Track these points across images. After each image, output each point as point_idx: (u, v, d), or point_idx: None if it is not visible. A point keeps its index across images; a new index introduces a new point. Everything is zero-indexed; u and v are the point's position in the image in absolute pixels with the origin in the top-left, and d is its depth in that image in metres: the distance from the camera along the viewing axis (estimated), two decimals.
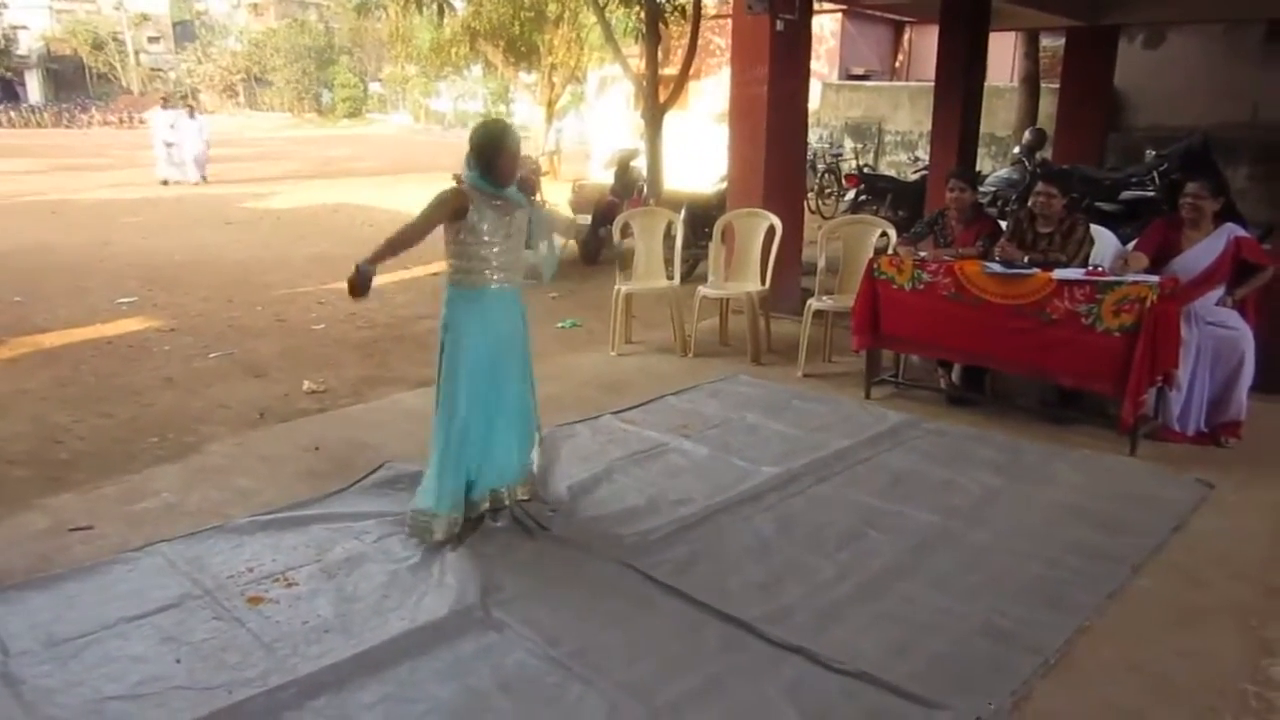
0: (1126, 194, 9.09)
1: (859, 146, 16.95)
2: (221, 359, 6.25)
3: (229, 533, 3.57)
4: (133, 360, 6.21)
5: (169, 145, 17.55)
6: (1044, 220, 5.14)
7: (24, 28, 46.58)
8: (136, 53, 51.46)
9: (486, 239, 3.48)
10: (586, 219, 9.80)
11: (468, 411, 3.52)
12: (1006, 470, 4.29)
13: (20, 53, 46.33)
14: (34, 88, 48.03)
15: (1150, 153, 10.17)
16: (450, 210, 3.43)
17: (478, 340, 3.52)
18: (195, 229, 12.36)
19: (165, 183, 17.36)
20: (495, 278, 3.54)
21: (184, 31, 54.49)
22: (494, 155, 3.45)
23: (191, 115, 18.10)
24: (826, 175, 15.04)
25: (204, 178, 17.80)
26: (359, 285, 3.34)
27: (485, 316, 3.54)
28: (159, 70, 51.57)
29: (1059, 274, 4.66)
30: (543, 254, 3.83)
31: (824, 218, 13.48)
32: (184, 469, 4.31)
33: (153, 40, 53.43)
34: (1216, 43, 12.48)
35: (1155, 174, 9.36)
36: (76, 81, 49.53)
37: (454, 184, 3.52)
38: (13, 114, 41.60)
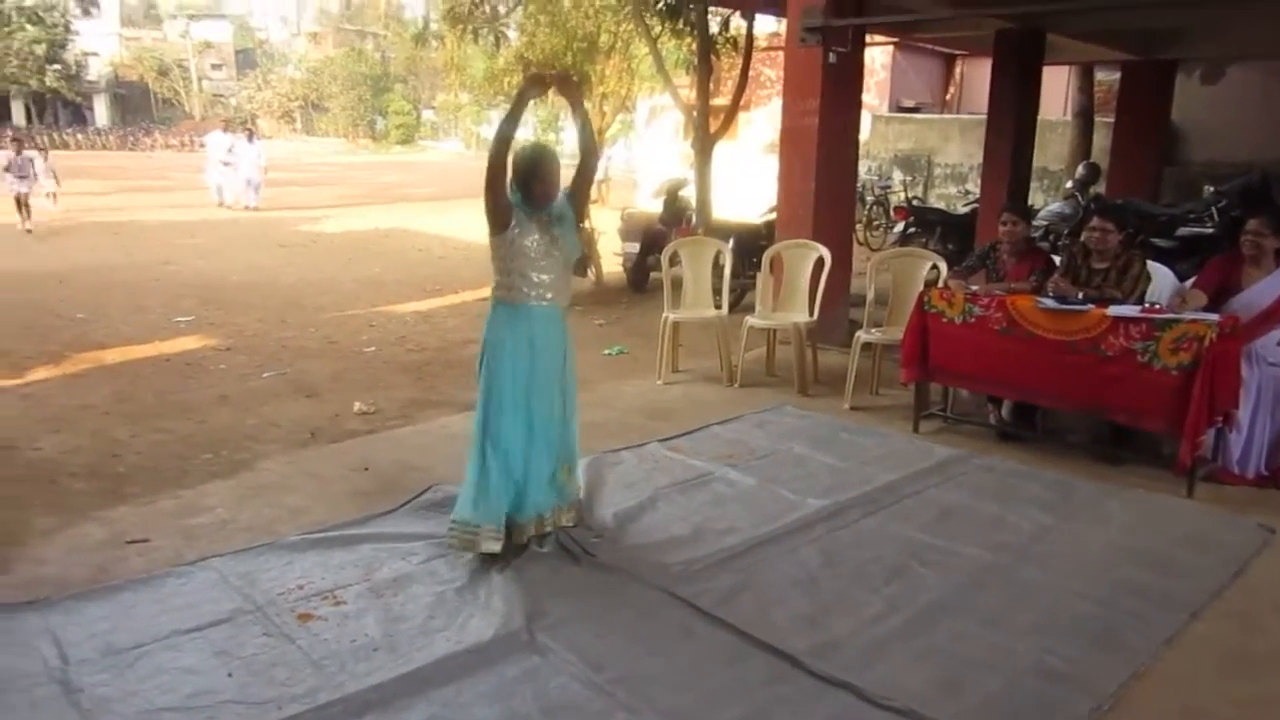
0: (1183, 230, 8.94)
1: (908, 179, 16.88)
2: (274, 378, 6.38)
3: (280, 550, 3.63)
4: (189, 377, 6.36)
5: (225, 165, 17.78)
6: (1099, 256, 5.08)
7: (94, 54, 48.20)
8: (200, 79, 53.00)
9: (530, 255, 3.52)
10: (635, 247, 9.87)
11: (508, 427, 3.55)
12: (1057, 508, 4.22)
13: (89, 78, 47.90)
14: (101, 112, 49.65)
15: (1208, 189, 10.01)
16: (497, 208, 3.49)
17: (517, 356, 3.55)
18: (250, 251, 12.65)
19: (220, 204, 17.66)
20: (535, 294, 3.57)
21: (245, 59, 56.04)
22: (529, 178, 3.52)
23: (250, 139, 18.34)
24: (875, 207, 14.99)
25: (256, 206, 17.80)
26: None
27: (525, 333, 3.57)
28: (220, 96, 53.02)
29: (1114, 310, 4.59)
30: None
31: (871, 249, 13.43)
32: (237, 485, 4.39)
33: (215, 67, 54.97)
34: (1275, 78, 12.28)
35: (1213, 210, 9.20)
36: (142, 106, 51.11)
37: None
38: (80, 136, 43.00)
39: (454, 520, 3.60)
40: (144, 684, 2.74)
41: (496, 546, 3.52)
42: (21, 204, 13.65)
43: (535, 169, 3.52)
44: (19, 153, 13.75)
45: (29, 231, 13.51)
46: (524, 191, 3.54)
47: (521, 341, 3.56)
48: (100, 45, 48.75)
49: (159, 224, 15.43)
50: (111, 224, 15.18)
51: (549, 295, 3.61)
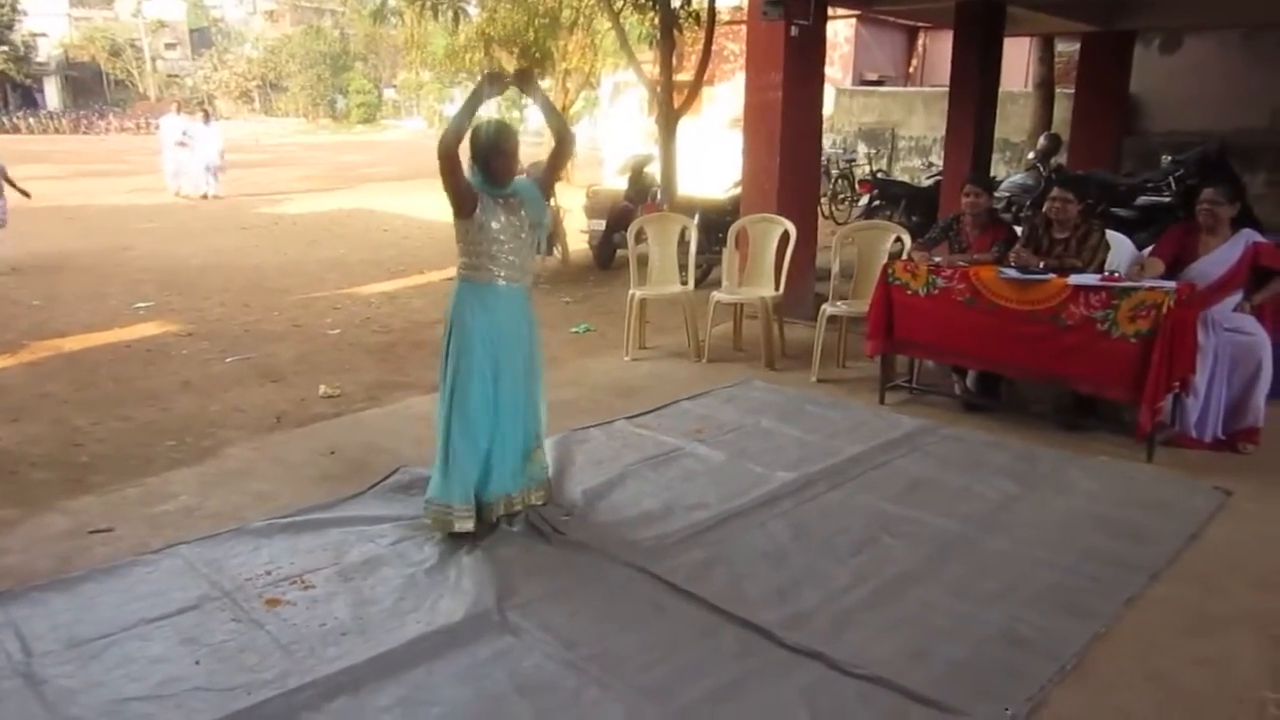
0: (1142, 200, 9.05)
1: (873, 152, 16.92)
2: (238, 363, 6.30)
3: (247, 535, 3.60)
4: (151, 364, 6.26)
5: (181, 145, 16.44)
6: (1059, 226, 5.13)
7: (43, 35, 47.00)
8: (153, 59, 51.89)
9: (499, 238, 3.51)
10: (601, 224, 9.83)
11: (475, 406, 3.55)
12: (1022, 477, 4.28)
13: (39, 60, 46.74)
14: (52, 94, 48.47)
15: (1166, 158, 10.13)
16: (460, 195, 3.45)
17: (482, 335, 3.55)
18: (211, 235, 12.45)
19: (178, 193, 16.51)
20: (502, 274, 3.57)
21: (201, 38, 54.93)
22: (490, 154, 3.52)
23: (207, 122, 17.08)
24: (840, 181, 15.02)
25: (216, 194, 16.48)
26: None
27: (491, 312, 3.56)
28: (176, 77, 51.95)
29: (1074, 280, 4.64)
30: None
31: (837, 223, 13.48)
32: (202, 472, 4.34)
33: (170, 47, 53.85)
34: (1234, 48, 12.42)
35: (1171, 180, 9.32)
36: (94, 88, 49.96)
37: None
38: (31, 120, 41.97)
39: (427, 499, 3.61)
40: (110, 674, 2.72)
41: (470, 525, 3.54)
42: None
43: (495, 145, 3.52)
44: None
45: None
46: (484, 170, 3.53)
47: (488, 321, 3.56)
48: (49, 25, 47.52)
49: (116, 208, 15.12)
50: (67, 209, 14.86)
51: (516, 276, 3.60)
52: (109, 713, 2.55)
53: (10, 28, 43.35)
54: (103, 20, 52.00)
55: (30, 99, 46.69)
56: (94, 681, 2.68)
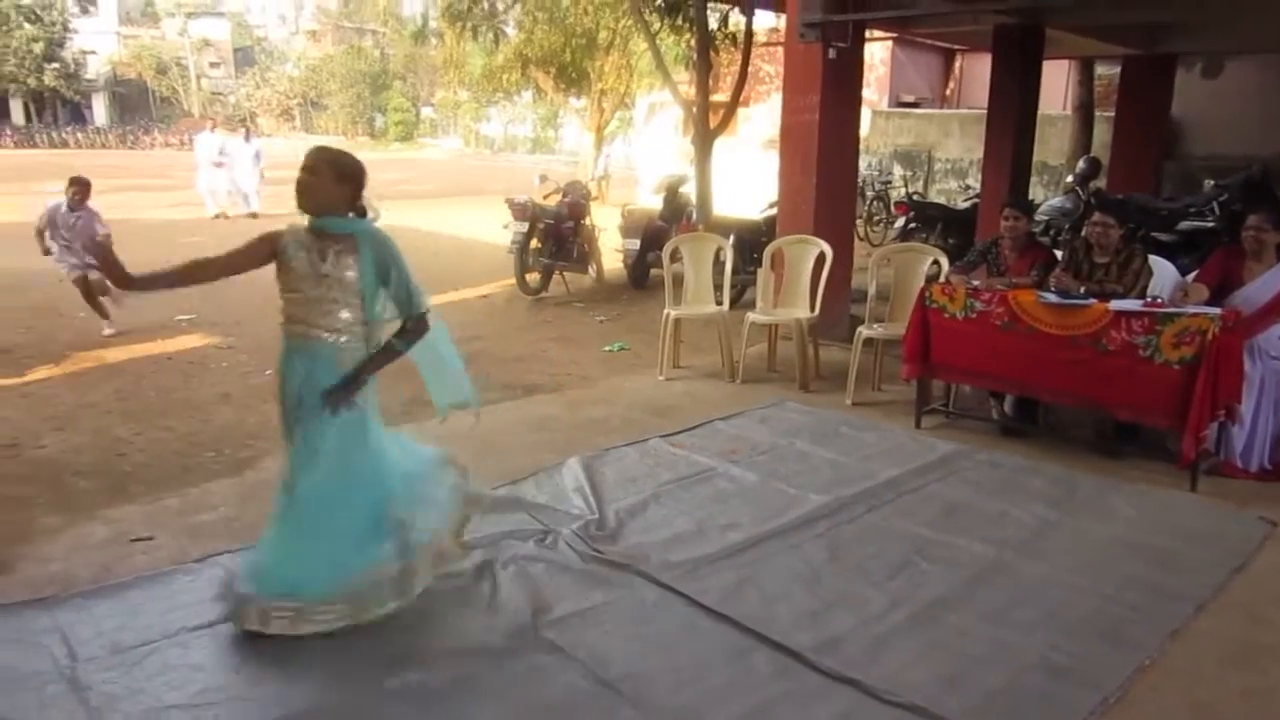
0: (1184, 224, 8.94)
1: (908, 174, 16.87)
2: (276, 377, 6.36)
3: None
4: (192, 376, 6.36)
5: (219, 165, 15.68)
6: (1100, 250, 5.08)
7: (92, 53, 48.11)
8: (198, 77, 52.90)
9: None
10: (635, 244, 9.85)
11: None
12: (1061, 503, 4.22)
13: (88, 77, 47.82)
14: (100, 110, 49.58)
15: (1209, 183, 10.01)
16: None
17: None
18: None
19: (218, 217, 15.59)
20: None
21: (244, 57, 55.97)
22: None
23: (247, 139, 16.60)
24: (875, 203, 14.99)
25: (255, 212, 15.75)
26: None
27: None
28: (219, 94, 52.92)
29: (1116, 305, 4.59)
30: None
31: (872, 245, 13.42)
32: (240, 484, 4.40)
33: (214, 65, 54.88)
34: (1276, 72, 12.26)
35: (1214, 204, 9.20)
36: (140, 105, 51.03)
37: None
38: (80, 135, 42.99)
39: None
40: (151, 681, 2.75)
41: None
42: None
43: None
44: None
45: None
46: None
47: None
48: (98, 43, 48.64)
49: (160, 222, 15.38)
50: (112, 221, 15.10)
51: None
52: (150, 719, 2.59)
53: (61, 45, 44.43)
54: (150, 39, 53.13)
55: (79, 114, 47.81)
56: (136, 688, 2.72)
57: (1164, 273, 5.36)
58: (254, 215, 15.66)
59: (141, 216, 16.18)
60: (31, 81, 42.99)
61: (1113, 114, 12.87)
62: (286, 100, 53.79)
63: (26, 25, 42.16)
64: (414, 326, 3.15)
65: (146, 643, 2.94)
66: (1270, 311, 4.66)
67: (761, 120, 19.90)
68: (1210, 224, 8.84)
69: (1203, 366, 4.26)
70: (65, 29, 44.58)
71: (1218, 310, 4.44)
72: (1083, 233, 5.28)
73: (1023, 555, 3.69)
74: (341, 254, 3.09)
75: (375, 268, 3.12)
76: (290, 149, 40.59)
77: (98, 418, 5.40)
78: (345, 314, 3.09)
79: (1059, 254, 5.47)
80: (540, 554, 3.64)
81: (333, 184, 3.13)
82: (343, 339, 3.08)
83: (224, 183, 16.01)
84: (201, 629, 3.03)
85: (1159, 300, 4.70)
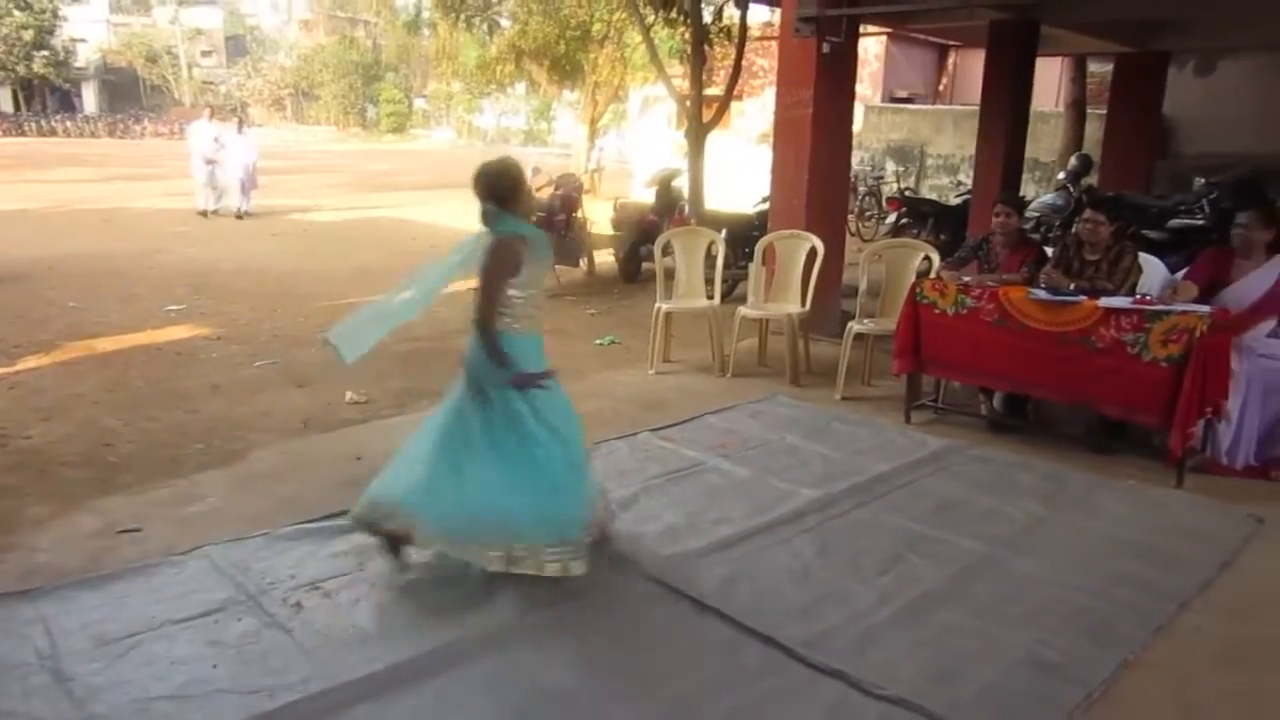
0: (1175, 222, 8.95)
1: (901, 169, 16.88)
2: (266, 368, 6.36)
3: (274, 539, 3.63)
4: (181, 366, 6.33)
5: (210, 163, 14.66)
6: (1091, 247, 5.09)
7: (82, 40, 47.80)
8: (189, 66, 52.63)
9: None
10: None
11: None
12: (1050, 499, 4.24)
13: (78, 65, 47.52)
14: (90, 99, 49.25)
15: (1199, 181, 10.04)
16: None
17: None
18: (242, 240, 12.59)
19: (204, 214, 14.62)
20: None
21: (236, 46, 55.72)
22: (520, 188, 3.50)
23: (240, 129, 15.42)
24: (867, 198, 15.00)
25: (247, 210, 14.86)
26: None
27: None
28: (210, 83, 52.62)
29: (1106, 302, 4.61)
30: None
31: (864, 240, 13.45)
32: (229, 475, 4.38)
33: (205, 54, 54.62)
34: (1269, 71, 12.29)
35: (1205, 202, 9.21)
36: (131, 93, 50.72)
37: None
38: (69, 124, 42.74)
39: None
40: (136, 673, 2.74)
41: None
42: None
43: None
44: None
45: None
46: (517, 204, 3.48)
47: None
48: (89, 31, 48.33)
49: (150, 211, 15.32)
50: (102, 211, 15.08)
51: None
52: (134, 711, 2.58)
53: (51, 33, 44.13)
54: (141, 27, 52.85)
55: (68, 103, 47.52)
56: (120, 679, 2.71)
57: (1154, 270, 5.37)
58: (239, 216, 14.75)
59: (132, 205, 16.11)
60: (21, 69, 42.74)
61: (1105, 111, 12.88)
62: (278, 90, 53.57)
63: (16, 12, 41.85)
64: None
65: (131, 634, 2.93)
66: (1259, 310, 4.68)
67: (755, 114, 19.91)
68: (1200, 222, 8.86)
69: (1191, 364, 4.28)
70: (55, 16, 44.28)
71: (1207, 308, 4.46)
72: (1074, 229, 5.29)
73: (1012, 551, 3.70)
74: None
75: None
76: (281, 139, 40.56)
77: (86, 408, 5.37)
78: None
79: (1050, 251, 5.49)
80: None
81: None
82: None
83: (219, 177, 14.98)
84: (187, 621, 3.02)
85: (1148, 298, 4.72)
